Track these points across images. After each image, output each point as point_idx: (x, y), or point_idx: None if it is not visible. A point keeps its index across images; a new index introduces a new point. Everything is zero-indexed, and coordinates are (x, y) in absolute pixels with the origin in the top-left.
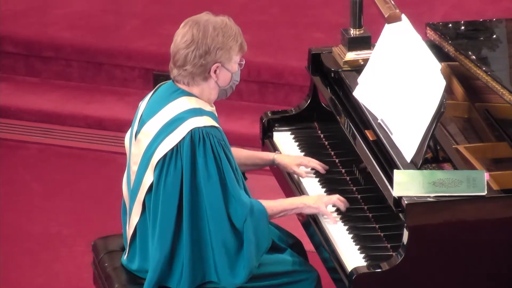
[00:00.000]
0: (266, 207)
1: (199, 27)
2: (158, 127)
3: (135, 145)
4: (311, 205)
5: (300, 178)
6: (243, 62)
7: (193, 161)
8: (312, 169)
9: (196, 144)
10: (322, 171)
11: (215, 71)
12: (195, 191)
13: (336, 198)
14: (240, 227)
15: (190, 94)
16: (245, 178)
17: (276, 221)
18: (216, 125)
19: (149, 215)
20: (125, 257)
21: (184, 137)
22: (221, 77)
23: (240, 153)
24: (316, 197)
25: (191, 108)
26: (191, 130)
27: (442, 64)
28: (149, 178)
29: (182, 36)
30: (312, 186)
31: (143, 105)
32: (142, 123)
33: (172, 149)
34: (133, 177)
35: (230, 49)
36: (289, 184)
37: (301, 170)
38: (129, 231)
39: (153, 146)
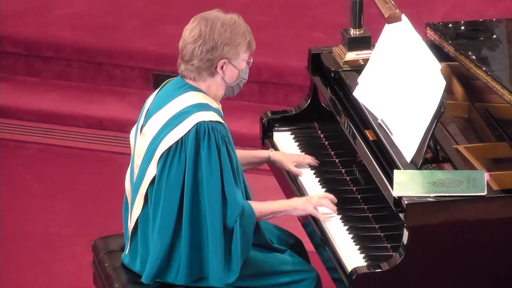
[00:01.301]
0: (254, 209)
1: (207, 22)
2: (164, 121)
3: (140, 138)
4: (298, 207)
5: (299, 177)
6: (251, 60)
7: (197, 154)
8: (309, 165)
9: (200, 138)
10: (315, 164)
11: (221, 67)
12: (196, 185)
13: (325, 202)
14: (230, 226)
15: (197, 89)
16: None
17: (277, 221)
18: (222, 121)
19: (151, 208)
20: (126, 251)
21: (189, 130)
22: (227, 73)
23: None
24: (304, 198)
25: (198, 103)
26: (196, 124)
27: (442, 64)
28: (152, 170)
29: (190, 31)
30: (312, 186)
31: (149, 100)
32: (148, 116)
33: (177, 142)
34: (136, 171)
35: (237, 46)
36: (289, 184)
37: (297, 169)
38: (130, 225)
39: (158, 139)
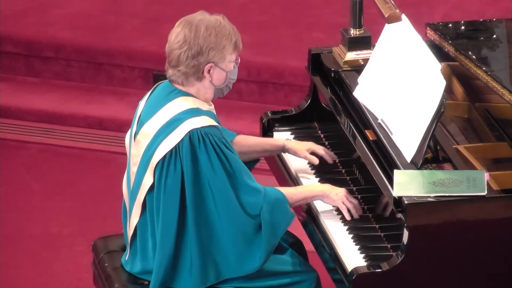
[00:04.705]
0: (285, 194)
1: (191, 27)
2: (156, 128)
3: (134, 146)
4: (331, 195)
5: (300, 178)
6: (239, 61)
7: (195, 161)
8: (320, 160)
9: (196, 145)
10: (329, 160)
11: (208, 71)
12: (199, 190)
13: (353, 206)
14: (257, 214)
15: (187, 94)
16: (258, 161)
17: None
18: (215, 124)
19: (150, 216)
20: (126, 257)
21: (182, 139)
22: (215, 76)
23: (249, 140)
24: (338, 189)
25: (189, 109)
26: (189, 132)
27: (442, 64)
28: (149, 179)
29: (175, 36)
30: None
31: (141, 105)
32: (140, 123)
33: (171, 151)
34: (132, 178)
35: (223, 49)
36: (289, 184)
37: (313, 156)
38: (129, 231)
39: (152, 147)
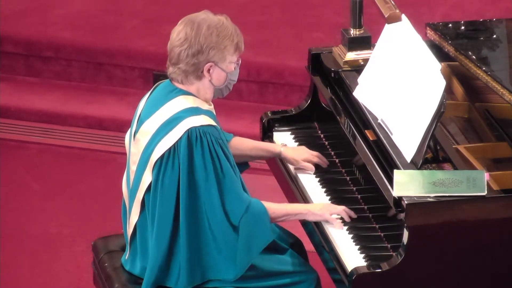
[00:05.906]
0: (267, 208)
1: (193, 25)
2: (156, 127)
3: (134, 144)
4: (316, 212)
5: (300, 178)
6: (240, 62)
7: (191, 160)
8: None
9: (193, 144)
10: (324, 165)
11: (208, 71)
12: (193, 190)
13: (342, 209)
14: (237, 223)
15: (187, 93)
16: (247, 166)
17: None
18: (214, 123)
19: (148, 215)
20: (126, 256)
21: (181, 137)
22: (215, 76)
23: (245, 144)
24: (321, 204)
25: (188, 107)
26: (188, 130)
27: (442, 64)
28: (147, 177)
29: (177, 33)
30: (312, 186)
31: (141, 104)
32: (140, 122)
33: (169, 149)
34: (132, 177)
35: (224, 49)
36: (289, 184)
37: (308, 164)
38: (129, 230)
39: (151, 145)
